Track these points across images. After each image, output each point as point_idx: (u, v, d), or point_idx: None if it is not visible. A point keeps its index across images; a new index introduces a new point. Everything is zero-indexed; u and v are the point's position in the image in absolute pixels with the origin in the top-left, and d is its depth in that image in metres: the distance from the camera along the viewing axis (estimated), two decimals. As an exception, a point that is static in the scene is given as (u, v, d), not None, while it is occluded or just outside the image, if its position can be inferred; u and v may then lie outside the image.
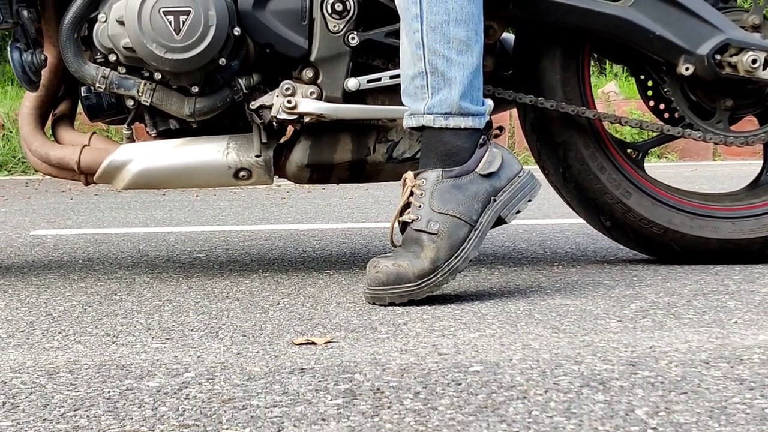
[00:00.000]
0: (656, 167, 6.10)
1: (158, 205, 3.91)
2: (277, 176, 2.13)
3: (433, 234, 1.77)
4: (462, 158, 1.81)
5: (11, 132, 6.60)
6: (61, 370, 1.37)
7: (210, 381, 1.30)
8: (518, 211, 1.85)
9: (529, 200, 1.86)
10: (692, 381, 1.26)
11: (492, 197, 1.81)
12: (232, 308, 1.78)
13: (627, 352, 1.40)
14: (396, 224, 1.83)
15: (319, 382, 1.29)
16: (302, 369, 1.35)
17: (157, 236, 2.93)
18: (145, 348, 1.49)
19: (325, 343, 1.50)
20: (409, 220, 1.79)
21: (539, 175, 2.04)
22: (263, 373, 1.34)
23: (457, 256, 1.77)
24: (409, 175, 1.82)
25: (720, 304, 1.73)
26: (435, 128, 1.81)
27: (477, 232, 1.79)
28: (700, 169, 5.36)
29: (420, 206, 1.79)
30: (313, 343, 1.50)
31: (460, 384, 1.26)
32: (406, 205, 1.81)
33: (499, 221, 1.84)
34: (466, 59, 1.81)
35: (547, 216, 3.23)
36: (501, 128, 1.94)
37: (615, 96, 7.03)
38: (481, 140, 1.83)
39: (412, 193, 1.80)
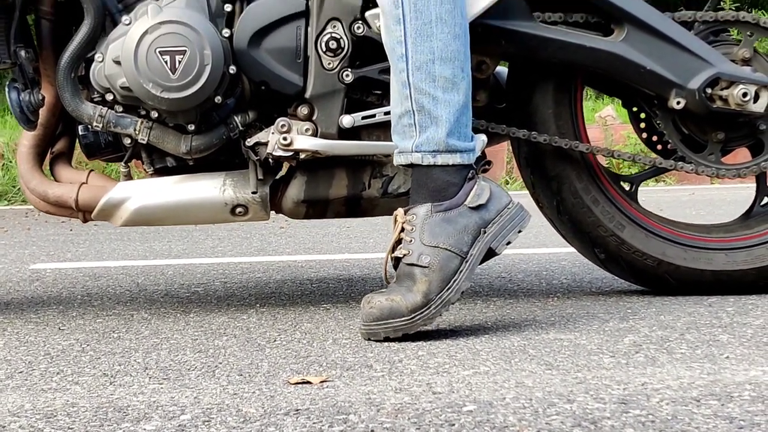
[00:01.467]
0: (653, 191, 6.12)
1: (157, 236, 3.93)
2: (273, 212, 2.15)
3: (425, 267, 1.79)
4: (451, 193, 1.83)
5: (11, 162, 6.63)
6: (59, 413, 1.38)
7: (206, 423, 1.31)
8: (509, 242, 1.87)
9: (519, 231, 1.88)
10: (683, 420, 1.27)
11: (482, 229, 1.84)
12: (229, 345, 1.79)
13: (619, 390, 1.42)
14: (389, 261, 1.85)
15: (314, 423, 1.30)
16: (297, 410, 1.36)
17: (156, 269, 2.95)
18: (142, 389, 1.50)
19: (321, 382, 1.51)
20: (401, 255, 1.81)
21: (530, 205, 2.06)
22: (259, 414, 1.35)
23: (449, 288, 1.79)
24: (400, 211, 1.84)
25: (712, 338, 1.74)
26: (424, 165, 1.84)
27: (468, 264, 1.81)
28: (697, 193, 5.38)
29: (411, 241, 1.81)
30: (309, 383, 1.51)
31: (454, 425, 1.27)
32: (398, 241, 1.83)
33: (490, 253, 1.86)
34: (452, 97, 1.84)
35: (544, 245, 3.25)
36: (489, 162, 1.96)
37: (612, 120, 7.06)
38: (469, 174, 1.85)
39: (403, 229, 1.82)
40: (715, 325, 1.84)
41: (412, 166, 1.86)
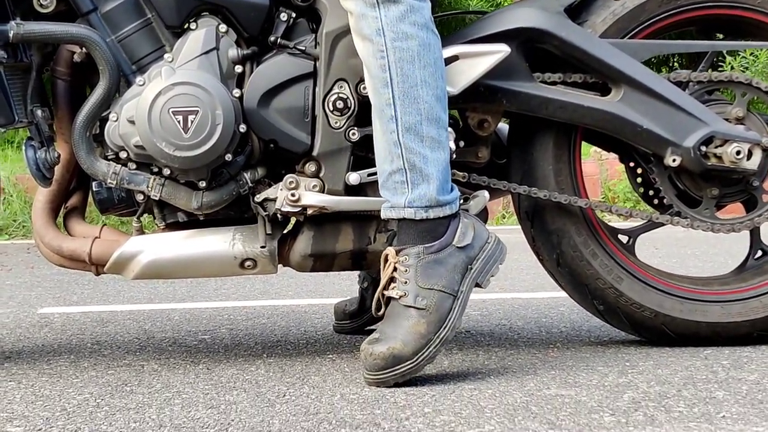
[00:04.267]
0: (649, 225, 6.17)
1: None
2: (281, 264, 2.20)
3: (423, 309, 1.90)
4: (440, 233, 1.94)
5: (11, 196, 6.68)
6: (80, 474, 1.43)
7: (223, 485, 1.36)
8: (492, 275, 1.99)
9: (500, 264, 2.00)
10: (682, 483, 1.33)
11: (468, 266, 1.95)
12: (239, 401, 1.85)
13: (620, 451, 1.47)
14: (380, 298, 1.95)
15: (328, 486, 1.35)
16: (311, 472, 1.41)
17: (162, 314, 3.00)
18: (159, 448, 1.56)
19: (332, 441, 1.56)
20: (397, 296, 1.91)
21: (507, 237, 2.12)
22: (274, 476, 1.40)
23: (445, 327, 1.90)
24: (391, 251, 1.94)
25: (709, 395, 1.80)
26: (415, 220, 1.94)
27: (459, 301, 1.93)
28: (691, 231, 5.42)
29: (406, 282, 1.91)
30: (320, 442, 1.56)
31: (462, 487, 1.33)
32: (390, 279, 1.92)
33: (476, 286, 1.97)
34: (438, 155, 1.94)
35: (543, 287, 3.30)
36: (466, 199, 2.08)
37: (607, 154, 7.12)
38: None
39: (395, 269, 1.90)
40: (711, 381, 1.90)
41: (403, 220, 1.95)
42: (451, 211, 1.96)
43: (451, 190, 1.98)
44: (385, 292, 1.94)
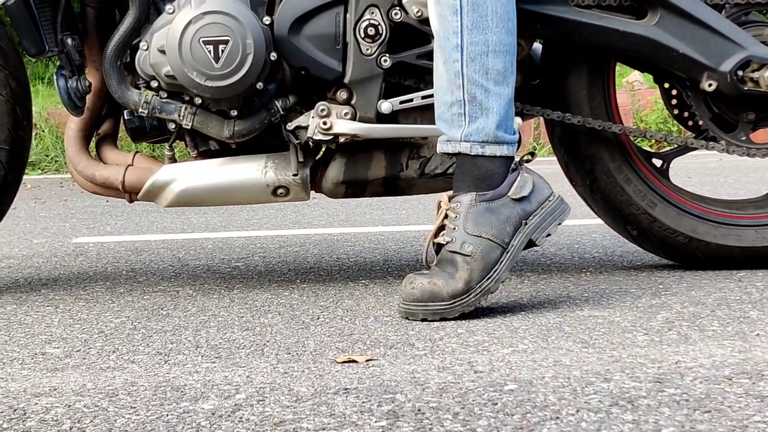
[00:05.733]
0: (681, 158, 6.10)
1: (193, 208, 4.00)
2: (313, 191, 2.21)
3: (467, 255, 1.84)
4: (495, 183, 1.88)
5: (44, 131, 6.73)
6: (120, 393, 1.46)
7: (261, 403, 1.38)
8: (548, 234, 1.92)
9: (559, 224, 1.93)
10: (715, 398, 1.33)
11: (523, 220, 1.89)
12: (274, 323, 1.87)
13: (654, 369, 1.48)
14: (431, 245, 1.91)
15: (363, 403, 1.37)
16: (346, 389, 1.43)
17: (196, 243, 3.03)
18: (196, 368, 1.58)
19: (366, 361, 1.58)
20: (444, 242, 1.87)
21: (569, 193, 2.11)
22: (310, 393, 1.42)
23: (489, 278, 1.85)
24: (444, 198, 1.90)
25: (743, 315, 1.80)
26: (470, 155, 1.89)
27: (509, 254, 1.87)
28: (725, 160, 5.39)
29: (454, 228, 1.86)
30: (355, 362, 1.58)
31: (496, 404, 1.34)
32: (441, 227, 1.88)
33: (530, 244, 1.91)
34: (502, 90, 1.89)
35: (575, 216, 3.29)
36: (533, 154, 2.01)
37: (639, 85, 7.06)
38: (513, 165, 1.90)
39: (446, 216, 1.88)
40: (745, 301, 1.90)
41: (458, 155, 1.91)
42: (509, 152, 1.90)
43: (514, 132, 1.92)
44: (435, 240, 1.89)
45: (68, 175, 5.97)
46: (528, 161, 1.98)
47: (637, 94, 6.96)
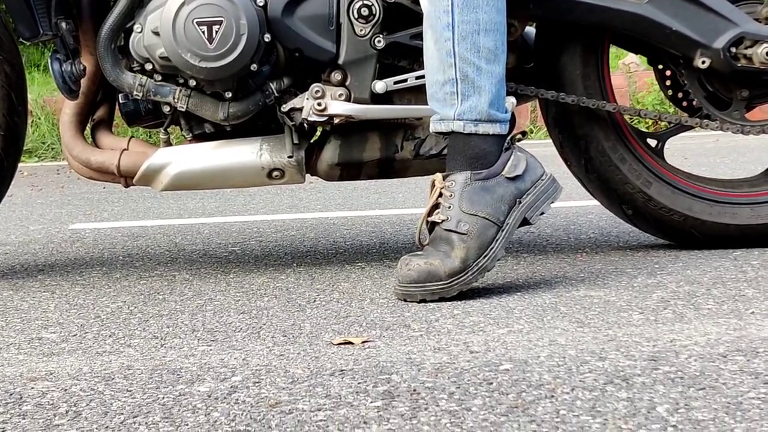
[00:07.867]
0: (678, 138, 6.09)
1: (189, 194, 4.00)
2: (308, 174, 2.21)
3: (463, 234, 1.85)
4: (489, 161, 1.89)
5: (39, 118, 6.71)
6: (116, 376, 1.46)
7: (257, 385, 1.39)
8: (542, 213, 1.93)
9: (552, 202, 1.94)
10: (710, 376, 1.34)
11: (517, 199, 1.89)
12: (270, 306, 1.87)
13: (649, 347, 1.48)
14: (424, 224, 1.91)
15: (359, 383, 1.37)
16: (342, 371, 1.43)
17: (192, 228, 3.03)
18: (192, 351, 1.58)
19: (362, 342, 1.58)
20: (439, 221, 1.87)
21: (559, 173, 2.11)
22: (306, 375, 1.42)
23: (485, 256, 1.85)
24: (438, 177, 1.90)
25: (738, 293, 1.80)
26: (464, 134, 1.89)
27: (504, 232, 1.87)
28: (721, 140, 5.39)
29: (449, 207, 1.87)
30: (351, 343, 1.58)
31: (492, 383, 1.34)
32: (435, 206, 1.89)
33: (524, 222, 1.92)
34: (494, 68, 1.89)
35: (570, 197, 3.29)
36: (524, 133, 2.01)
37: (636, 67, 7.05)
38: (506, 144, 1.91)
39: (440, 195, 1.88)
40: (741, 280, 1.90)
41: (451, 133, 1.91)
42: (501, 130, 1.90)
43: (506, 111, 1.92)
44: (429, 218, 1.89)
45: (65, 163, 5.96)
46: (519, 140, 1.98)
47: (633, 75, 6.95)
